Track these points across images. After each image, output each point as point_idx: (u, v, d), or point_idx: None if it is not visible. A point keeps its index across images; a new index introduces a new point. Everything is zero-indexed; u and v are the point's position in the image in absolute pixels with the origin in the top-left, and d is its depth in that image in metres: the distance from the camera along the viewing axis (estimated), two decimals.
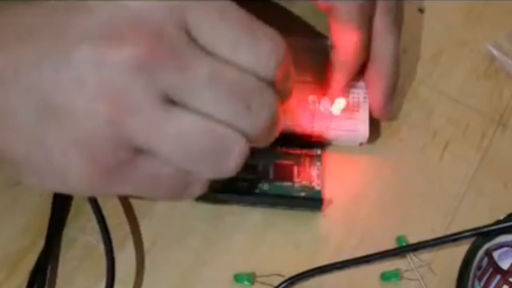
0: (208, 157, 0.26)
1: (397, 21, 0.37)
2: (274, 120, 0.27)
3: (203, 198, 0.35)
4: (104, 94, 0.24)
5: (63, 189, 0.28)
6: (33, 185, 0.28)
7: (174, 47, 0.24)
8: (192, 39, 0.25)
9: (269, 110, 0.26)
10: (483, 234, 0.36)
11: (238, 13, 0.25)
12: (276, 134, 0.28)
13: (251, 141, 0.27)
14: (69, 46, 0.24)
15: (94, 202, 0.34)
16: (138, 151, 0.26)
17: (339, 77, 0.36)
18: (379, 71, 0.37)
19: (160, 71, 0.24)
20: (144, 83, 0.24)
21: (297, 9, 0.42)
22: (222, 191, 0.35)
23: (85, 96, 0.24)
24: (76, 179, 0.26)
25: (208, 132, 0.25)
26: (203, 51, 0.25)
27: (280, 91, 0.27)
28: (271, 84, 0.26)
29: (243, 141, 0.26)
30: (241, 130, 0.26)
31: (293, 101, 0.36)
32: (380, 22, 0.36)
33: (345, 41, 0.35)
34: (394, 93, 0.38)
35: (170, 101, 0.25)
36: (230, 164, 0.26)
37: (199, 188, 0.28)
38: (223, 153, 0.26)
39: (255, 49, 0.25)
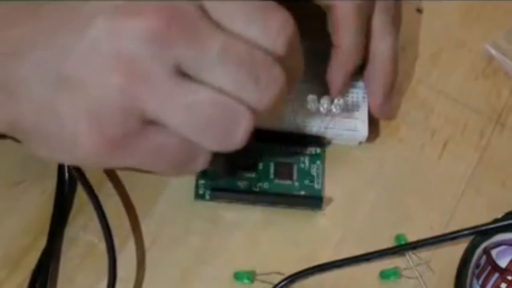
0: (216, 129, 0.27)
1: (395, 21, 0.38)
2: (280, 96, 0.28)
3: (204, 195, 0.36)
4: (117, 64, 0.25)
5: (71, 160, 0.28)
6: (42, 156, 0.28)
7: (188, 22, 0.25)
8: (205, 14, 0.26)
9: (276, 85, 0.27)
10: (481, 233, 0.36)
11: None
12: (278, 108, 0.28)
13: (256, 115, 0.27)
14: (84, 19, 0.25)
15: (95, 200, 0.34)
16: (147, 122, 0.26)
17: (338, 76, 0.37)
18: (377, 70, 0.37)
19: (174, 44, 0.25)
20: (158, 55, 0.25)
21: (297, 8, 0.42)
22: (222, 189, 0.36)
23: (98, 66, 0.25)
24: (84, 149, 0.26)
25: (217, 104, 0.26)
26: (215, 25, 0.26)
27: (288, 68, 0.28)
28: (280, 60, 0.27)
29: (250, 114, 0.27)
30: (248, 103, 0.27)
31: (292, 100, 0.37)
32: (379, 22, 0.36)
33: (343, 40, 0.36)
34: (393, 92, 0.38)
35: (182, 73, 0.26)
36: (237, 136, 0.27)
37: (201, 163, 0.29)
38: (231, 125, 0.27)
39: (265, 25, 0.26)
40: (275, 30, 0.27)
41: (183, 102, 0.26)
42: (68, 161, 0.28)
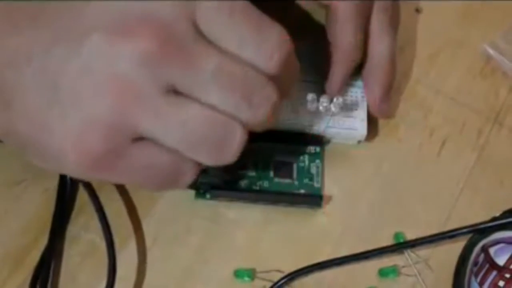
0: (210, 145, 0.27)
1: (394, 21, 0.38)
2: (272, 112, 0.28)
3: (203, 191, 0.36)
4: (110, 84, 0.25)
5: (62, 172, 0.28)
6: (36, 164, 0.28)
7: (182, 43, 0.25)
8: (200, 33, 0.26)
9: (269, 104, 0.27)
10: (479, 231, 0.36)
11: (246, 11, 0.26)
12: (273, 123, 0.29)
13: (249, 129, 0.28)
14: (81, 34, 0.25)
15: (96, 200, 0.34)
16: (135, 140, 0.26)
17: (337, 75, 0.37)
18: (375, 70, 0.37)
19: (167, 66, 0.25)
20: (151, 76, 0.25)
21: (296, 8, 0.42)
22: (222, 188, 0.36)
23: (92, 84, 0.25)
24: (72, 164, 0.26)
25: (210, 121, 0.26)
26: (210, 45, 0.26)
27: (282, 84, 0.28)
28: (274, 78, 0.27)
29: (242, 130, 0.27)
30: (241, 120, 0.27)
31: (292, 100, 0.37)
32: (377, 22, 0.37)
33: (342, 40, 0.36)
34: (391, 91, 0.38)
35: (175, 91, 0.26)
36: (231, 151, 0.27)
37: (190, 178, 0.29)
38: (224, 141, 0.27)
39: (259, 46, 0.26)
40: (269, 51, 0.27)
41: (176, 120, 0.26)
42: (58, 172, 0.29)
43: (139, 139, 0.26)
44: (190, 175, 0.29)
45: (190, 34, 0.25)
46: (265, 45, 0.26)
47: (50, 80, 0.25)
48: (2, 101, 0.26)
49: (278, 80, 0.27)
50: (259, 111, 0.27)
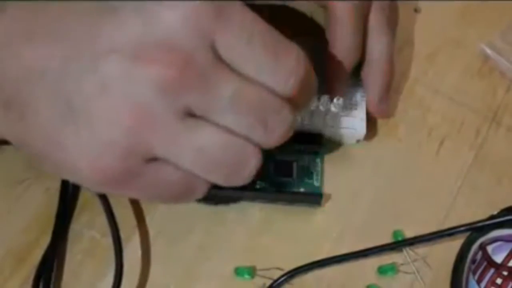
0: (225, 169, 0.27)
1: (391, 20, 0.38)
2: (288, 134, 0.28)
3: (205, 200, 0.36)
4: (126, 108, 0.25)
5: (77, 183, 0.28)
6: (48, 171, 0.28)
7: (201, 70, 0.25)
8: (218, 58, 0.25)
9: (284, 126, 0.27)
10: (477, 229, 0.36)
11: (265, 36, 0.26)
12: (286, 139, 0.29)
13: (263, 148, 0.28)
14: (98, 54, 0.24)
15: (103, 197, 0.35)
16: (149, 160, 0.26)
17: (336, 75, 0.37)
18: (374, 70, 0.38)
19: (186, 93, 0.25)
20: (169, 103, 0.25)
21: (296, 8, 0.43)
22: (223, 187, 0.36)
23: (108, 106, 0.25)
24: (85, 180, 0.27)
25: (227, 146, 0.26)
26: (228, 70, 0.26)
27: (298, 101, 0.28)
28: (290, 98, 0.27)
29: (257, 153, 0.27)
30: (256, 142, 0.27)
31: None
32: (375, 22, 0.37)
33: (341, 40, 0.36)
34: (390, 91, 0.38)
35: (191, 114, 0.26)
36: (244, 174, 0.27)
37: (202, 192, 0.29)
38: (239, 164, 0.27)
39: (276, 70, 0.26)
40: (285, 76, 0.26)
41: (193, 144, 0.26)
42: (72, 181, 0.29)
43: (154, 159, 0.26)
44: (202, 191, 0.29)
45: (209, 60, 0.25)
46: (281, 70, 0.26)
47: (64, 98, 0.25)
48: (16, 112, 0.26)
49: (294, 99, 0.27)
50: (274, 134, 0.27)
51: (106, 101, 0.25)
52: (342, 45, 0.36)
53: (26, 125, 0.26)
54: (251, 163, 0.27)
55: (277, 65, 0.26)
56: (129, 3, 0.25)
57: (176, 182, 0.27)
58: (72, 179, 0.27)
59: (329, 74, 0.37)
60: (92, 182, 0.26)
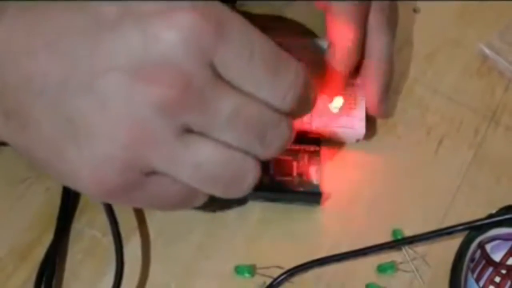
0: (224, 182, 0.27)
1: (391, 21, 0.38)
2: (286, 146, 0.28)
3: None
4: (126, 125, 0.25)
5: (79, 191, 0.28)
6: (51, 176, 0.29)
7: (200, 90, 0.25)
8: (217, 76, 0.25)
9: (282, 140, 0.28)
10: (476, 228, 0.36)
11: (265, 52, 0.26)
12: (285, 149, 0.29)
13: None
14: (97, 71, 0.24)
15: None
16: (149, 174, 0.26)
17: (335, 75, 0.37)
18: (373, 70, 0.38)
19: (185, 113, 0.25)
20: (167, 121, 0.25)
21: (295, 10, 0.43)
22: None
23: (107, 122, 0.25)
24: (85, 190, 0.27)
25: (225, 161, 0.26)
26: (227, 87, 0.25)
27: (297, 111, 0.28)
28: (288, 113, 0.27)
29: (256, 167, 0.27)
30: (254, 156, 0.27)
31: None
32: (375, 22, 0.37)
33: (341, 40, 0.36)
34: (389, 91, 0.38)
35: (191, 131, 0.26)
36: (243, 187, 0.28)
37: (201, 202, 0.29)
38: (238, 178, 0.27)
39: (275, 85, 0.26)
40: (285, 89, 0.26)
41: (192, 160, 0.26)
42: (73, 189, 0.29)
43: (153, 172, 0.26)
44: (201, 201, 0.29)
45: (208, 80, 0.25)
46: (280, 85, 0.26)
47: (64, 113, 0.25)
48: (17, 121, 0.26)
49: (293, 111, 0.27)
50: (271, 148, 0.27)
51: (105, 118, 0.25)
52: (342, 45, 0.36)
53: (28, 135, 0.26)
54: (250, 177, 0.27)
55: (276, 80, 0.26)
56: (128, 20, 0.24)
57: (175, 194, 0.28)
58: (73, 187, 0.28)
59: (329, 74, 0.37)
60: (92, 192, 0.27)
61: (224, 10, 0.25)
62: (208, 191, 0.28)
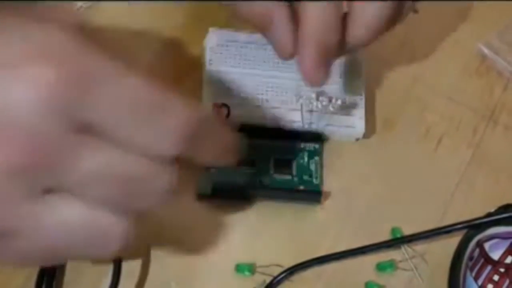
0: (90, 244, 0.24)
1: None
2: (169, 197, 0.25)
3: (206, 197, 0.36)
4: None
5: None
6: None
7: (58, 150, 0.22)
8: (81, 131, 0.22)
9: (162, 194, 0.25)
10: (474, 226, 0.37)
11: (138, 100, 0.23)
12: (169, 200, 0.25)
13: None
14: None
15: None
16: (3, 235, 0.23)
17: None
18: (307, 26, 0.31)
19: (40, 176, 0.22)
20: (21, 186, 0.22)
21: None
22: (223, 185, 0.36)
23: None
24: None
25: (89, 222, 0.24)
26: (91, 143, 0.22)
27: (190, 156, 0.25)
28: (174, 158, 0.24)
29: (126, 226, 0.24)
30: (125, 213, 0.24)
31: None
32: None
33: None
34: (329, 59, 0.32)
35: (49, 191, 0.23)
36: (112, 248, 0.25)
37: (117, 246, 0.25)
38: (105, 240, 0.24)
39: (151, 133, 0.23)
40: (164, 135, 0.23)
41: (52, 222, 0.23)
42: None
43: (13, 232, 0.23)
44: (119, 243, 0.25)
45: (69, 138, 0.22)
46: (157, 132, 0.23)
47: None
48: None
49: (191, 153, 0.25)
50: (148, 202, 0.25)
51: None
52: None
53: None
54: (117, 237, 0.24)
55: (152, 126, 0.23)
56: None
57: (34, 254, 0.24)
58: None
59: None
60: None
61: (89, 54, 0.22)
62: (74, 254, 0.26)
